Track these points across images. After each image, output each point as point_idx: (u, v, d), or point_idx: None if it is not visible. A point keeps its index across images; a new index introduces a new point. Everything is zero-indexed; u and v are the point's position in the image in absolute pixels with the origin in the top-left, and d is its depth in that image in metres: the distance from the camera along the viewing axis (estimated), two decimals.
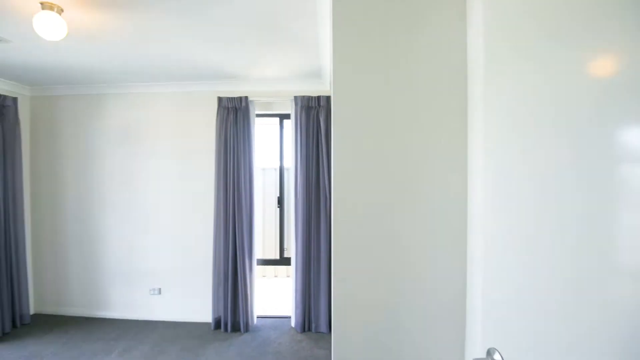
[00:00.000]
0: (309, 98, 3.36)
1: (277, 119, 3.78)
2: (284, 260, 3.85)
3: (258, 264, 3.68)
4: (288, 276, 4.92)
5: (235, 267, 3.45)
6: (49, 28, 1.99)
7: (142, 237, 3.70)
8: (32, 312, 3.74)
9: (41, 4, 1.96)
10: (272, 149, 3.77)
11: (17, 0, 1.97)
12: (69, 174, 3.79)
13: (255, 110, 3.53)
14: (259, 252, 3.79)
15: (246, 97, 3.43)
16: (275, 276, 5.31)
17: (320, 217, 3.38)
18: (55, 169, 3.81)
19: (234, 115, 3.44)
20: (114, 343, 3.17)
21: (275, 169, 3.92)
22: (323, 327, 3.36)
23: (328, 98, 3.34)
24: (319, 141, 3.37)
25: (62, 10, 2.05)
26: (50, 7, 1.99)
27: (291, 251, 3.50)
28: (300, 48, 2.72)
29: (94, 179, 3.75)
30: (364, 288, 1.42)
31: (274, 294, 4.56)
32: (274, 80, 3.51)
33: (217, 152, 3.44)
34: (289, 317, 3.65)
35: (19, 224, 3.50)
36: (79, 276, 3.78)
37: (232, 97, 3.42)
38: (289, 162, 3.56)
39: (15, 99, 3.46)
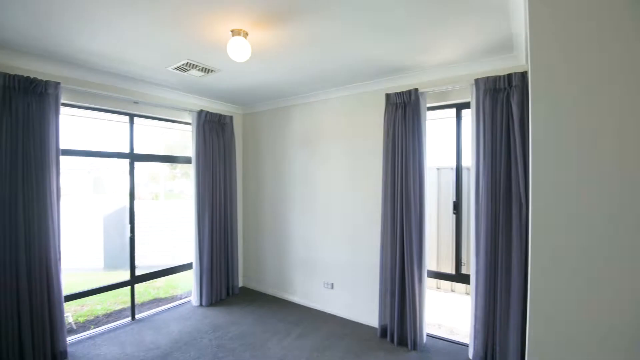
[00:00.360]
0: (495, 79, 2.68)
1: (453, 110, 3.24)
2: (460, 277, 3.27)
3: (429, 276, 3.27)
4: (467, 293, 4.25)
5: (403, 276, 3.17)
6: (238, 51, 2.31)
7: (318, 232, 3.98)
8: (240, 285, 4.70)
9: (231, 31, 2.31)
10: (449, 145, 3.26)
11: (216, 34, 2.38)
12: (266, 175, 4.53)
13: (426, 102, 3.14)
14: (431, 263, 3.38)
15: (415, 90, 3.08)
16: (452, 290, 4.68)
17: (512, 230, 2.65)
18: (257, 172, 4.64)
19: (402, 111, 3.16)
20: (293, 327, 3.51)
21: (451, 169, 3.39)
22: (513, 348, 2.62)
23: (524, 75, 2.57)
24: (511, 133, 2.65)
25: (247, 34, 2.36)
26: (238, 33, 2.30)
27: (470, 267, 2.91)
28: (482, 16, 2.16)
29: (282, 178, 4.32)
30: (575, 323, 0.90)
31: (449, 311, 4.01)
32: (449, 66, 3.00)
33: (385, 151, 3.26)
34: (466, 346, 3.07)
35: (234, 215, 4.44)
36: (272, 261, 4.46)
37: (400, 92, 3.15)
38: (469, 160, 2.98)
39: (231, 117, 4.40)
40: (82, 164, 4.35)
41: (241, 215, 4.79)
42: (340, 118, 3.77)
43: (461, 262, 3.23)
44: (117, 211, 4.43)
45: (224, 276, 4.31)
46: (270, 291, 4.48)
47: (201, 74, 3.22)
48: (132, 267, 3.70)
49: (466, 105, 3.13)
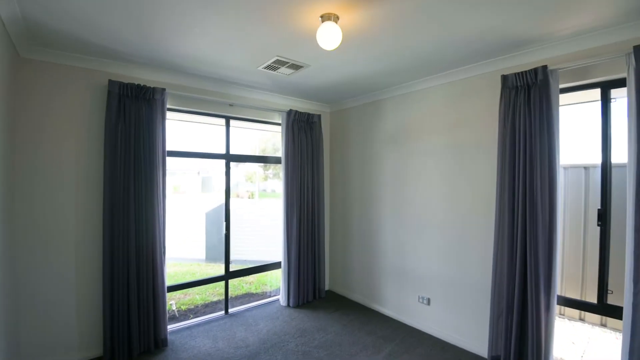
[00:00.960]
0: None
1: (595, 92, 2.49)
2: (605, 309, 2.48)
3: (558, 303, 2.58)
4: (603, 324, 3.30)
5: (524, 301, 2.57)
6: (328, 37, 2.11)
7: (413, 238, 3.57)
8: (326, 288, 4.54)
9: (321, 17, 2.11)
10: (586, 138, 2.52)
11: (305, 23, 2.21)
12: (354, 175, 4.28)
13: (558, 83, 2.48)
14: (559, 286, 2.67)
15: (544, 67, 2.45)
16: (581, 319, 3.71)
17: None
18: (345, 172, 4.43)
19: (525, 96, 2.56)
20: (383, 342, 3.18)
21: (590, 168, 2.62)
22: None
23: None
24: None
25: (338, 18, 2.13)
26: (328, 18, 2.10)
27: (625, 298, 2.17)
28: None
29: (371, 179, 4.02)
30: None
31: (576, 346, 3.14)
32: (589, 34, 2.30)
33: (501, 145, 2.69)
34: None
35: (322, 216, 4.31)
36: (360, 266, 4.19)
37: (521, 72, 2.56)
38: (621, 156, 2.24)
39: (319, 116, 4.29)
40: (193, 165, 4.77)
41: (328, 216, 4.65)
42: (441, 109, 3.29)
43: (606, 290, 2.46)
44: (215, 209, 4.73)
45: (310, 278, 4.21)
46: (358, 298, 4.22)
47: (290, 71, 3.15)
48: (227, 263, 3.85)
49: (617, 83, 2.37)
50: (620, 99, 2.42)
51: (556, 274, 2.51)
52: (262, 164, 4.99)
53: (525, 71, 2.54)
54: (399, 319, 3.68)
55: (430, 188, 3.39)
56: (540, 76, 2.48)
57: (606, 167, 2.47)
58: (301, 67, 3.04)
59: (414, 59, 2.85)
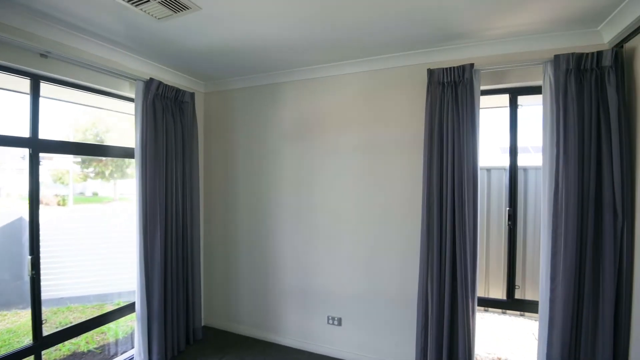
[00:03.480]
0: (581, 56, 2.12)
1: (505, 97, 2.63)
2: (515, 304, 2.66)
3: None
4: (522, 315, 3.59)
5: (453, 308, 2.44)
6: None
7: (320, 252, 3.03)
8: (202, 323, 3.45)
9: None
10: (496, 140, 2.66)
11: None
12: (242, 178, 3.38)
13: (480, 84, 2.46)
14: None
15: (471, 65, 2.38)
16: (504, 312, 3.73)
17: (604, 246, 2.10)
18: (228, 173, 3.46)
19: (453, 93, 2.44)
20: None
21: (502, 170, 2.80)
22: None
23: (617, 55, 2.04)
24: (602, 125, 2.10)
25: None
26: None
27: (540, 293, 2.31)
28: None
29: (267, 182, 3.25)
30: None
31: (502, 339, 3.26)
32: (515, 38, 2.37)
33: (428, 144, 2.49)
34: None
35: (196, 231, 3.20)
36: (250, 291, 3.33)
37: (449, 68, 2.42)
38: (532, 159, 2.39)
39: (192, 95, 3.17)
40: None
41: (203, 229, 3.54)
42: (359, 101, 2.88)
43: (514, 285, 2.63)
44: (7, 225, 2.84)
45: (182, 317, 3.05)
46: (248, 331, 3.34)
47: (165, 11, 2.03)
48: (37, 318, 2.27)
49: (525, 90, 2.55)
50: (527, 106, 2.62)
51: (477, 275, 2.49)
52: (78, 159, 3.33)
53: (453, 67, 2.41)
54: (304, 348, 3.07)
55: (343, 192, 2.94)
56: (467, 74, 2.40)
57: (514, 169, 2.63)
58: (186, 7, 1.99)
59: (335, 33, 2.31)
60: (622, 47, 2.08)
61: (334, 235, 2.97)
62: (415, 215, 2.62)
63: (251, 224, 3.33)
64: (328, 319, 2.99)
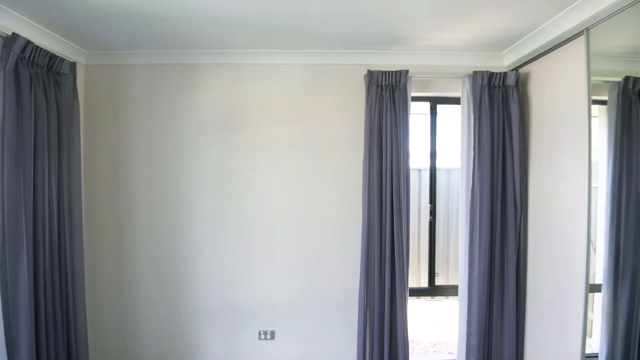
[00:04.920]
0: (492, 75, 2.51)
1: (426, 104, 2.89)
2: (435, 290, 2.96)
3: None
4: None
5: (392, 302, 2.54)
6: None
7: (249, 260, 2.70)
8: None
9: None
10: (419, 144, 2.90)
11: None
12: (141, 175, 2.71)
13: (411, 90, 2.63)
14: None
15: (406, 72, 2.52)
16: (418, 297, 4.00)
17: (507, 236, 2.54)
18: (120, 169, 2.71)
19: (391, 96, 2.53)
20: None
21: (423, 170, 3.05)
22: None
23: (518, 75, 2.50)
24: (506, 132, 2.54)
25: None
26: None
27: (460, 278, 2.64)
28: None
29: (179, 181, 2.70)
30: None
31: (423, 323, 3.52)
32: (443, 51, 2.63)
33: (367, 144, 2.51)
34: None
35: (77, 246, 2.40)
36: (158, 316, 2.71)
37: (388, 72, 2.50)
38: (450, 162, 2.71)
39: (73, 65, 2.36)
40: None
41: (88, 245, 2.66)
42: (298, 94, 2.68)
43: (434, 273, 2.93)
44: None
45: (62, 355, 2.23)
46: None
47: None
48: None
49: (443, 100, 2.87)
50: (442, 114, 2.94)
51: (409, 268, 2.67)
52: None
53: (392, 71, 2.51)
54: None
55: (277, 194, 2.70)
56: (402, 80, 2.53)
57: (433, 170, 2.92)
58: None
59: (276, 18, 2.09)
60: (517, 70, 2.56)
61: (267, 241, 2.70)
62: (354, 215, 2.62)
63: (157, 236, 2.71)
64: (259, 334, 2.70)
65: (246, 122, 2.68)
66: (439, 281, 2.99)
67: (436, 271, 2.95)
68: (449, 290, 2.97)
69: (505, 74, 2.50)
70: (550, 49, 2.20)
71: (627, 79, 2.03)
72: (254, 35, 2.36)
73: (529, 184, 2.50)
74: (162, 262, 2.70)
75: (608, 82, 2.08)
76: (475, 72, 2.51)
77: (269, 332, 2.70)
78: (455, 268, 3.20)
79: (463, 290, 2.62)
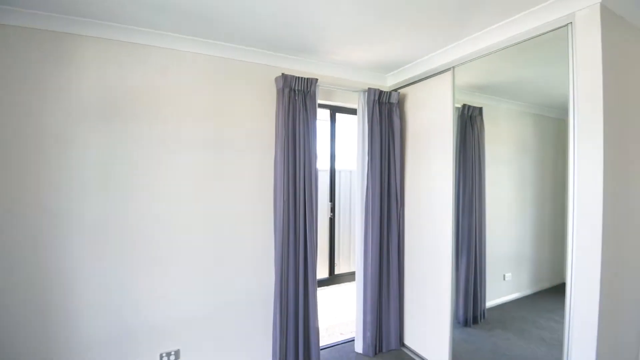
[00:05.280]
0: (381, 92, 3.00)
1: (326, 112, 3.16)
2: (335, 279, 3.26)
3: None
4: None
5: (306, 294, 2.69)
6: None
7: (144, 273, 2.31)
8: None
9: None
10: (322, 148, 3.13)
11: None
12: None
13: (318, 98, 2.84)
14: None
15: (315, 80, 2.72)
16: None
17: (392, 224, 3.08)
18: None
19: (302, 101, 2.67)
20: None
21: (324, 172, 3.23)
22: (393, 344, 3.08)
23: (398, 94, 3.08)
24: (390, 140, 3.07)
25: None
26: None
27: (357, 265, 3.03)
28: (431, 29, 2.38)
29: (51, 181, 2.06)
30: None
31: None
32: (345, 66, 2.94)
33: (282, 146, 2.57)
34: (351, 341, 3.17)
35: None
36: (26, 348, 1.98)
37: (301, 77, 2.63)
38: (349, 164, 3.08)
39: None
40: None
41: None
42: (202, 88, 2.45)
43: (334, 264, 3.23)
44: None
45: None
46: None
47: None
48: None
49: (341, 110, 3.20)
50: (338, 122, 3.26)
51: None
52: None
53: (304, 77, 2.66)
54: None
55: (179, 195, 2.41)
56: (312, 87, 2.72)
57: (333, 171, 3.22)
58: None
59: None
60: (397, 91, 3.14)
61: (167, 250, 2.38)
62: (263, 213, 2.64)
63: (26, 251, 1.99)
64: (161, 356, 2.37)
65: (142, 114, 2.29)
66: (338, 270, 3.34)
67: (336, 262, 3.28)
68: (349, 277, 3.36)
69: (390, 93, 3.03)
70: (426, 77, 2.82)
71: (464, 106, 2.83)
72: (151, 11, 2.03)
73: (406, 183, 3.11)
74: (28, 274, 2.00)
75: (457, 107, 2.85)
76: (369, 89, 2.94)
77: (172, 353, 2.40)
78: (350, 257, 3.64)
79: (360, 275, 3.03)
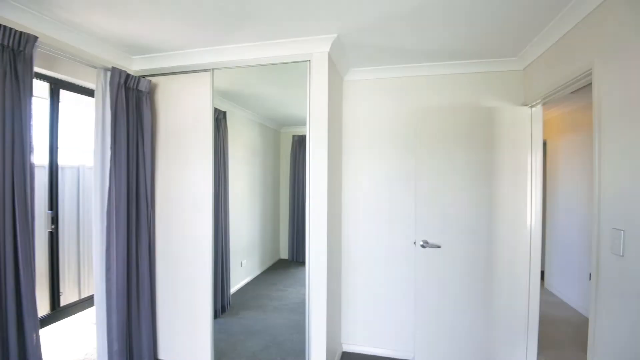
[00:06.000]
0: (132, 77, 2.56)
1: (45, 85, 2.26)
2: (61, 313, 2.30)
3: None
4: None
5: (21, 343, 1.82)
6: None
7: None
8: None
9: None
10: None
11: None
12: None
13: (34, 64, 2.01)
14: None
15: (35, 38, 1.92)
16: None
17: (142, 228, 2.68)
18: None
19: (11, 65, 1.81)
20: None
21: (42, 167, 2.10)
22: (146, 356, 2.69)
23: (150, 83, 2.76)
24: (138, 137, 2.67)
25: None
26: None
27: (95, 288, 2.38)
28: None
29: None
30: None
31: None
32: (78, 31, 2.23)
33: None
34: None
35: None
36: None
37: (9, 29, 1.78)
38: (77, 158, 2.38)
39: None
40: None
41: None
42: None
43: (59, 293, 2.32)
44: None
45: None
46: None
47: None
48: None
49: (68, 86, 2.42)
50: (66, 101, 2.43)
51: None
52: None
53: (16, 30, 1.82)
54: None
55: None
56: (30, 47, 1.91)
57: (54, 167, 2.35)
58: None
59: None
60: (147, 78, 2.79)
61: None
62: None
63: None
64: None
65: None
66: (65, 300, 2.46)
67: (61, 290, 2.41)
68: (80, 306, 2.53)
69: (139, 79, 2.64)
70: (183, 72, 2.71)
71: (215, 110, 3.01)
72: None
73: (157, 183, 2.83)
74: None
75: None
76: (114, 68, 2.44)
77: None
78: (82, 281, 2.79)
79: (100, 297, 2.43)
